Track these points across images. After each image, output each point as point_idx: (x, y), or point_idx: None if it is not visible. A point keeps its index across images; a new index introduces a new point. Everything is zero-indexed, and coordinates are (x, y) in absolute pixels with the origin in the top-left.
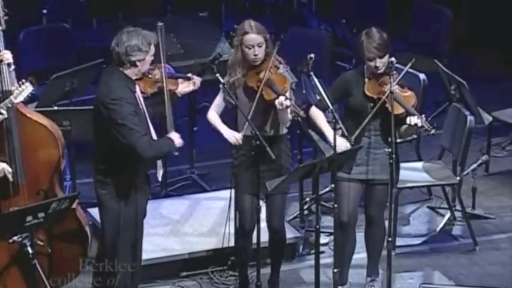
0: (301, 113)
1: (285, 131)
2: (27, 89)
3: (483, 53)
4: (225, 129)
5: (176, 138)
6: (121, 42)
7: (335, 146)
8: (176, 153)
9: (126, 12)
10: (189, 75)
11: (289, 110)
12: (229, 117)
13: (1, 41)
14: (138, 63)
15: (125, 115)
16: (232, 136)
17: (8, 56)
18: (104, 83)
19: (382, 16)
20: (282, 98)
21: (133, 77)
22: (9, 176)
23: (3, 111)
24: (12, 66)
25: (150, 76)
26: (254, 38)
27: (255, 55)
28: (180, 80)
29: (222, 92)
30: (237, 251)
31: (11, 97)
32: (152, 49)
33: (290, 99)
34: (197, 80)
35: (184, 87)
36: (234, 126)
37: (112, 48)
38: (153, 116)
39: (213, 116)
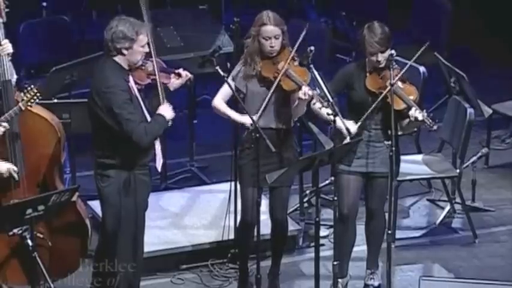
0: (325, 103)
1: (292, 124)
2: (35, 96)
3: (483, 46)
4: (235, 113)
5: (167, 111)
6: (109, 29)
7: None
8: (170, 124)
9: (126, 5)
10: (180, 70)
11: (314, 99)
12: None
13: (2, 33)
14: (124, 52)
15: (120, 104)
16: (245, 119)
17: (8, 46)
18: (97, 72)
19: (382, 8)
20: (306, 88)
21: (126, 67)
22: (15, 175)
23: (7, 126)
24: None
25: (143, 68)
26: (272, 30)
27: (272, 47)
28: (171, 74)
29: (232, 79)
30: (238, 244)
31: (20, 104)
32: (141, 39)
33: (314, 90)
34: (185, 74)
35: (176, 81)
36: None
37: (104, 35)
38: (149, 109)
39: (220, 103)
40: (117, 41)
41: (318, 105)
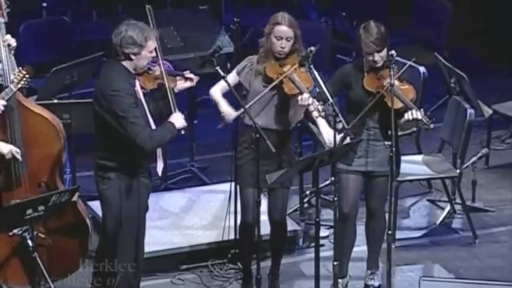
0: (322, 113)
1: (291, 127)
2: (25, 76)
3: (483, 46)
4: (225, 104)
5: (178, 119)
6: (118, 33)
7: (335, 139)
8: (183, 132)
9: (126, 5)
10: (187, 73)
11: (311, 108)
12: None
13: (3, 33)
14: (132, 57)
15: (126, 107)
16: (229, 115)
17: (11, 42)
18: (103, 75)
19: (382, 8)
20: (306, 95)
21: (133, 71)
22: (18, 156)
23: (4, 102)
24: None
25: (150, 72)
26: (284, 31)
27: (282, 47)
28: (177, 77)
29: (236, 73)
30: (241, 245)
31: (11, 85)
32: (150, 45)
33: (313, 98)
34: (194, 78)
35: (181, 84)
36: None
37: (112, 38)
38: (154, 112)
39: (217, 92)
40: (126, 46)
41: (315, 114)
